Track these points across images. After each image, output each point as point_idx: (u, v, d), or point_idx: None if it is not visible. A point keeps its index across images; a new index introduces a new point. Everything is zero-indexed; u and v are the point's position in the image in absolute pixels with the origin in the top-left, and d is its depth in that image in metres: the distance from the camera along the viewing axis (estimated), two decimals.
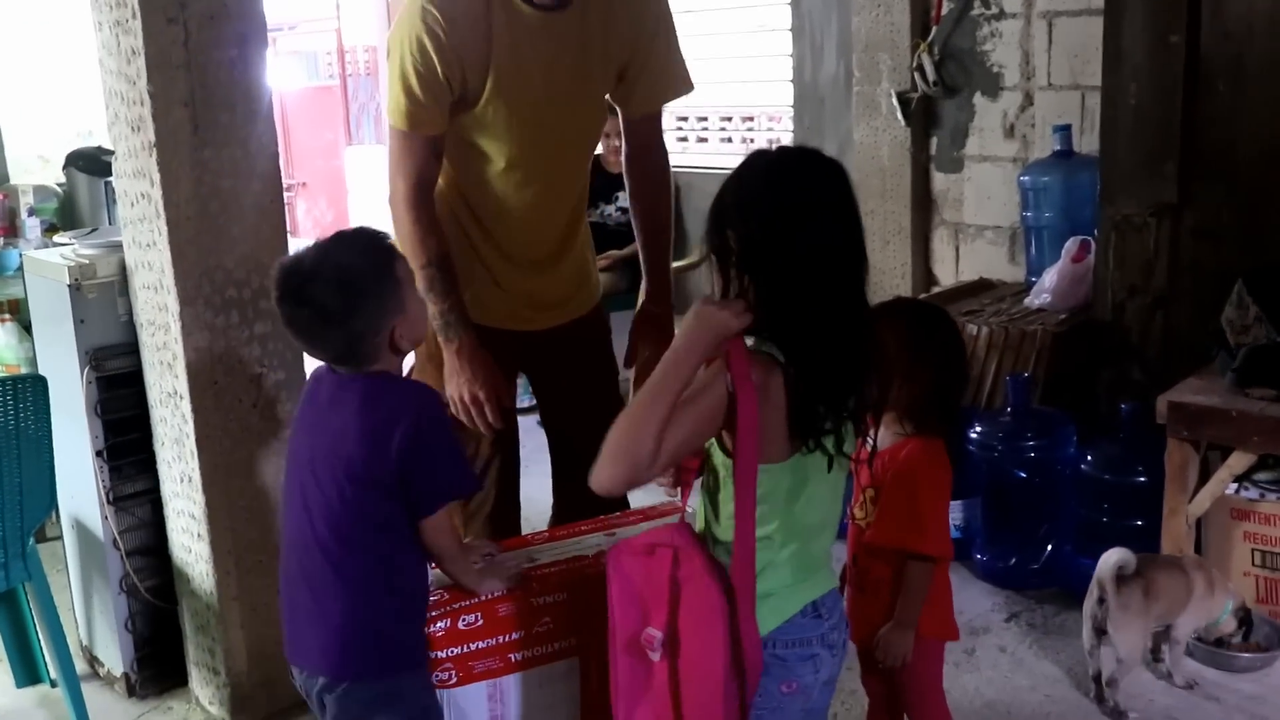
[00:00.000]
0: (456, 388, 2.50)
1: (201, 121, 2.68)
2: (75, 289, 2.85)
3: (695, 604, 1.75)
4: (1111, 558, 2.90)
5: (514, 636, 2.09)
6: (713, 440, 1.78)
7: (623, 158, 2.77)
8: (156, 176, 2.65)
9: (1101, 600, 2.91)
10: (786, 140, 5.23)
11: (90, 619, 3.21)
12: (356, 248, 2.03)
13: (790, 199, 1.74)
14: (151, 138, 2.63)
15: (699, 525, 1.86)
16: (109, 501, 2.96)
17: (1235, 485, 3.18)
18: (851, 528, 2.35)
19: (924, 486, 2.24)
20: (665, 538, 1.80)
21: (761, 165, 1.80)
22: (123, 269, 2.89)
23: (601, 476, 1.68)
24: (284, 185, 7.65)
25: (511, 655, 2.10)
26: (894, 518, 2.24)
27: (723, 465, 1.77)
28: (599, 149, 5.46)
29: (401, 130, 2.47)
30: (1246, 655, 3.04)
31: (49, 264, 2.94)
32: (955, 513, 3.70)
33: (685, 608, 1.76)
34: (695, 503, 1.89)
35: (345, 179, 7.64)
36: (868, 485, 2.29)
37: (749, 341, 1.74)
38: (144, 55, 2.60)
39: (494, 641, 2.08)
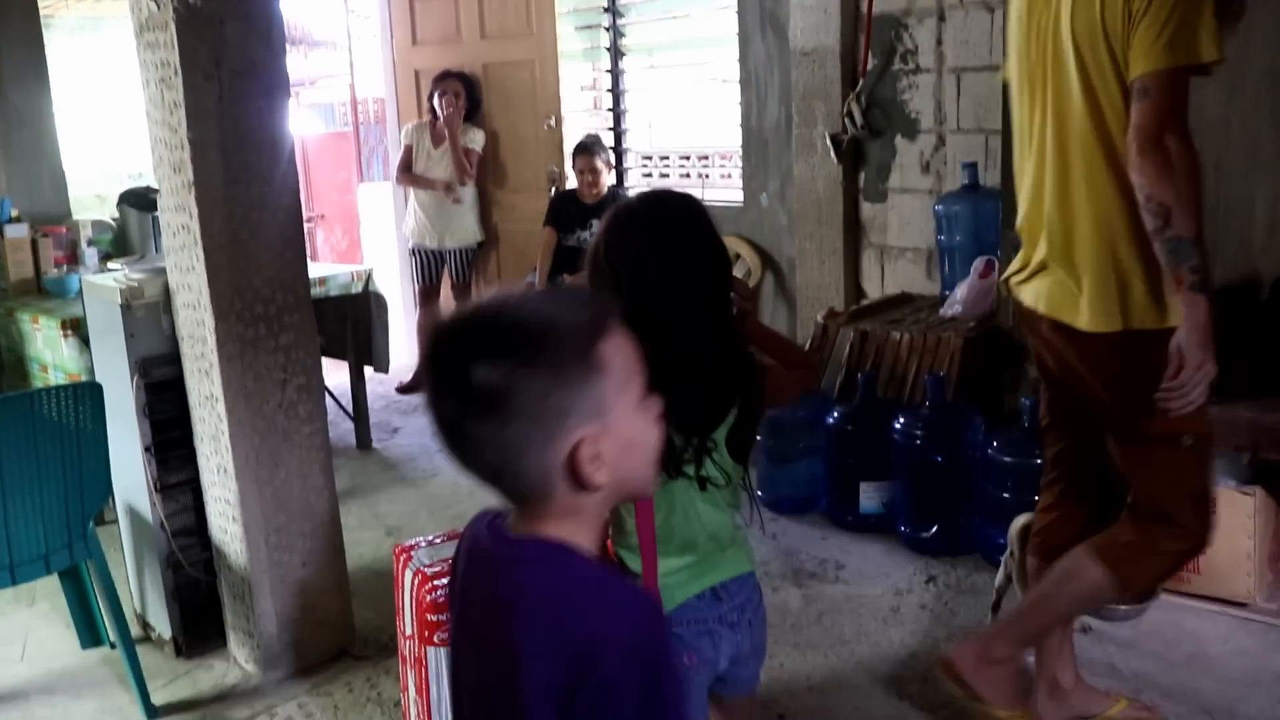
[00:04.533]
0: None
1: (233, 163, 2.69)
2: (126, 308, 2.85)
3: None
4: (1021, 520, 2.91)
5: None
6: None
7: None
8: (195, 210, 2.66)
9: (1012, 554, 2.95)
10: (737, 176, 5.26)
11: (143, 591, 3.20)
12: (571, 301, 1.13)
13: (616, 237, 1.69)
14: (191, 178, 2.64)
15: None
16: (156, 490, 2.96)
17: None
18: None
19: None
20: None
21: (613, 215, 1.74)
22: (166, 290, 2.89)
23: None
24: (305, 217, 7.65)
25: None
26: None
27: None
28: (574, 183, 5.49)
29: (1190, 65, 1.93)
30: (1123, 608, 3.07)
31: (104, 287, 2.94)
32: (882, 491, 3.75)
33: None
34: None
35: (358, 211, 7.61)
36: None
37: None
38: (184, 107, 2.61)
39: None
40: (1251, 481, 3.12)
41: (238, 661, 3.04)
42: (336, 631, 3.06)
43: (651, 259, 1.67)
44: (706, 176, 5.59)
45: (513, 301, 1.08)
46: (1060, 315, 2.20)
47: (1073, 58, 2.07)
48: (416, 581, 2.21)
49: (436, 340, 1.08)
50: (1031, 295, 2.30)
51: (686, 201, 1.77)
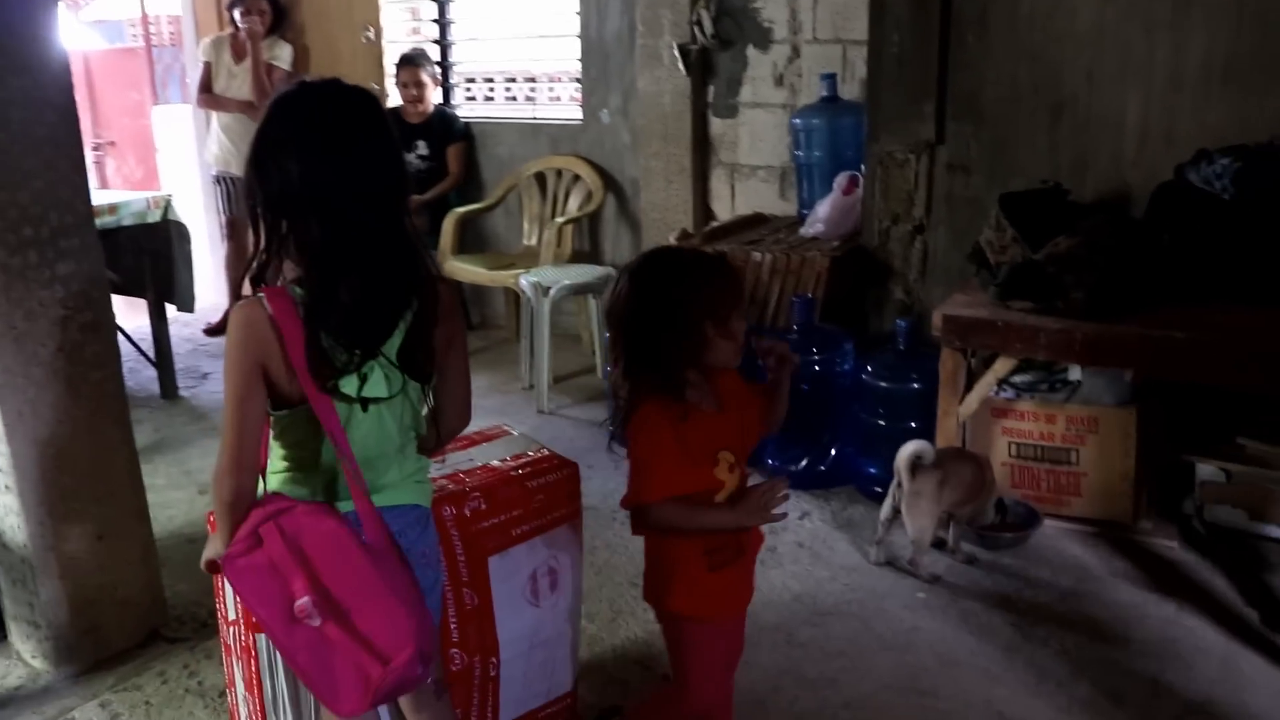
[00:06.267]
0: None
1: None
2: None
3: (318, 542, 1.43)
4: (909, 448, 2.73)
5: None
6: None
7: None
8: None
9: (899, 485, 2.74)
10: (567, 98, 4.84)
11: None
12: None
13: (277, 131, 1.45)
14: None
15: None
16: None
17: (995, 388, 3.05)
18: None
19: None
20: (257, 518, 1.44)
21: (269, 105, 1.49)
22: None
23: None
24: (92, 145, 6.74)
25: None
26: None
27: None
28: (398, 100, 4.97)
29: None
30: (1008, 535, 2.93)
31: None
32: None
33: (312, 553, 1.43)
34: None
35: (153, 137, 6.80)
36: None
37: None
38: None
39: None
40: (1132, 400, 2.98)
41: (21, 658, 2.50)
42: (144, 612, 2.57)
43: (279, 156, 1.44)
44: (533, 100, 5.13)
45: None
46: None
47: None
48: None
49: None
50: None
51: (354, 93, 1.51)
